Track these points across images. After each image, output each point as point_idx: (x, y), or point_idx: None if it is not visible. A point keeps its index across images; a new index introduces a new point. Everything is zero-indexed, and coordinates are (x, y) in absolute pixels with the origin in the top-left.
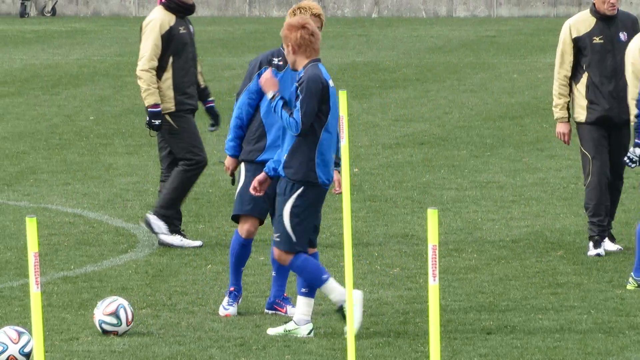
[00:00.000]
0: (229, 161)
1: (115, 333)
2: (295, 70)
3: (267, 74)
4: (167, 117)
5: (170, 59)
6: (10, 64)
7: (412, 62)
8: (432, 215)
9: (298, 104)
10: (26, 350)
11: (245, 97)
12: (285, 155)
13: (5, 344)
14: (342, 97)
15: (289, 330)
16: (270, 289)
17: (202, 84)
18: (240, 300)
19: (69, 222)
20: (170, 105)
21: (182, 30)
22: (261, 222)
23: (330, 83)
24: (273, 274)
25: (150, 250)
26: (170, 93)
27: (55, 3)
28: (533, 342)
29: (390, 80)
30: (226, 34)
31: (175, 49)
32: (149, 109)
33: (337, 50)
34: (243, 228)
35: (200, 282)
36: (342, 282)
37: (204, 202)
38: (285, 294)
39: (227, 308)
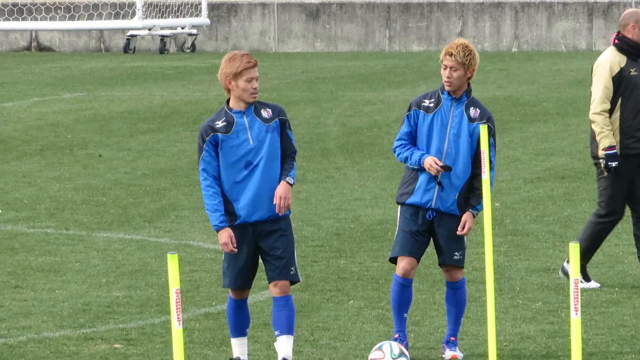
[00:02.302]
0: None
1: None
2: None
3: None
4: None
5: (619, 101)
6: (151, 100)
7: (552, 96)
8: (574, 249)
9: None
10: None
11: None
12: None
13: None
14: (483, 132)
15: None
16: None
17: None
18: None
19: (211, 259)
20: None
21: (632, 72)
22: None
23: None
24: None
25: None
26: (616, 136)
27: (195, 39)
28: None
29: (530, 114)
30: (366, 69)
31: (625, 90)
32: (605, 152)
33: (478, 84)
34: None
35: (342, 318)
36: (484, 316)
37: (345, 238)
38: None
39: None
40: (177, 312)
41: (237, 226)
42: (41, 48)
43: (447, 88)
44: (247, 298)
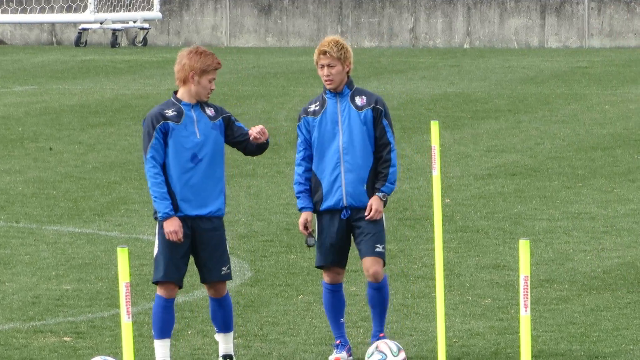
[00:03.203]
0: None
1: None
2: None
3: None
4: None
5: None
6: (102, 94)
7: (504, 92)
8: (524, 246)
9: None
10: None
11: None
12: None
13: None
14: (434, 128)
15: None
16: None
17: None
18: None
19: None
20: None
21: None
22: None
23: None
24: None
25: (242, 281)
26: None
27: (147, 33)
28: None
29: (482, 110)
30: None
31: None
32: None
33: (429, 80)
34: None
35: (291, 313)
36: (434, 312)
37: (295, 233)
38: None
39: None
40: (126, 305)
41: (178, 216)
42: None
43: (328, 86)
44: (175, 299)
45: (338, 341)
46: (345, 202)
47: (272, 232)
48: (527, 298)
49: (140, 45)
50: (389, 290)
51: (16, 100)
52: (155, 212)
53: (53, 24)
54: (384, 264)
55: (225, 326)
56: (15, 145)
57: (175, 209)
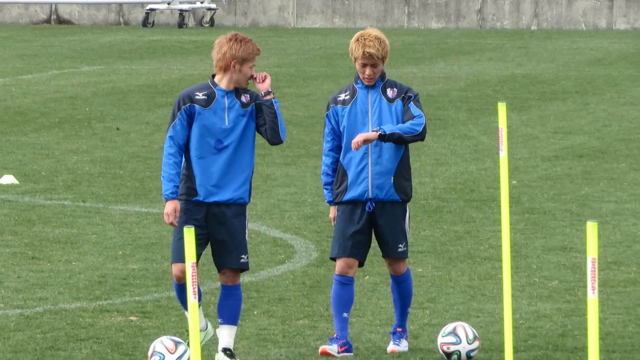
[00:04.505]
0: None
1: None
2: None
3: None
4: None
5: None
6: (169, 75)
7: (571, 74)
8: (591, 228)
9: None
10: None
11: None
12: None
13: (162, 354)
14: (502, 109)
15: None
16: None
17: None
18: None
19: None
20: None
21: None
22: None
23: None
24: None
25: (308, 261)
26: None
27: (214, 14)
28: None
29: (549, 92)
30: None
31: None
32: None
33: (496, 62)
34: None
35: (357, 294)
36: (501, 294)
37: None
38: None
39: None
40: (192, 285)
41: (192, 202)
42: (61, 21)
43: (368, 84)
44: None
45: (335, 334)
46: (370, 194)
47: None
48: (594, 280)
49: (207, 25)
50: (412, 285)
51: (84, 80)
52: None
53: (121, 4)
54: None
55: (232, 318)
56: (82, 125)
57: (194, 193)
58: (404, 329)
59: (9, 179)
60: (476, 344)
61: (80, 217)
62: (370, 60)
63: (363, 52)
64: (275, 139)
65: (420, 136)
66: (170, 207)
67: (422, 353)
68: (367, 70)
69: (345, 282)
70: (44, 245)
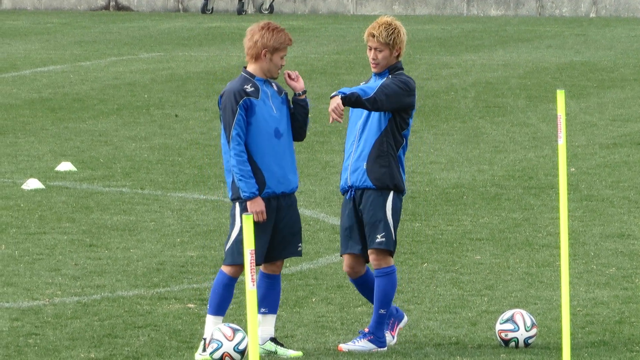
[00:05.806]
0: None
1: None
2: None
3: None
4: None
5: None
6: (228, 61)
7: (630, 62)
8: None
9: None
10: (241, 347)
11: None
12: None
13: (219, 341)
14: (560, 97)
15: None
16: None
17: None
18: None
19: None
20: None
21: None
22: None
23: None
24: None
25: None
26: None
27: (273, 1)
28: None
29: (607, 80)
30: (444, 32)
31: None
32: None
33: (555, 49)
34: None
35: (415, 281)
36: (558, 281)
37: (420, 201)
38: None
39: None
40: (251, 272)
41: (262, 197)
42: (119, 7)
43: (373, 69)
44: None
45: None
46: (349, 181)
47: None
48: None
49: (266, 12)
50: (391, 287)
51: (142, 67)
52: (234, 193)
53: None
54: (391, 252)
55: (276, 306)
56: (140, 112)
57: (264, 187)
58: (371, 330)
59: (67, 166)
60: (534, 331)
61: (138, 205)
62: (373, 44)
63: (367, 33)
64: (301, 138)
65: (371, 101)
66: (261, 203)
67: (479, 340)
68: (372, 54)
69: (357, 283)
70: (101, 232)
